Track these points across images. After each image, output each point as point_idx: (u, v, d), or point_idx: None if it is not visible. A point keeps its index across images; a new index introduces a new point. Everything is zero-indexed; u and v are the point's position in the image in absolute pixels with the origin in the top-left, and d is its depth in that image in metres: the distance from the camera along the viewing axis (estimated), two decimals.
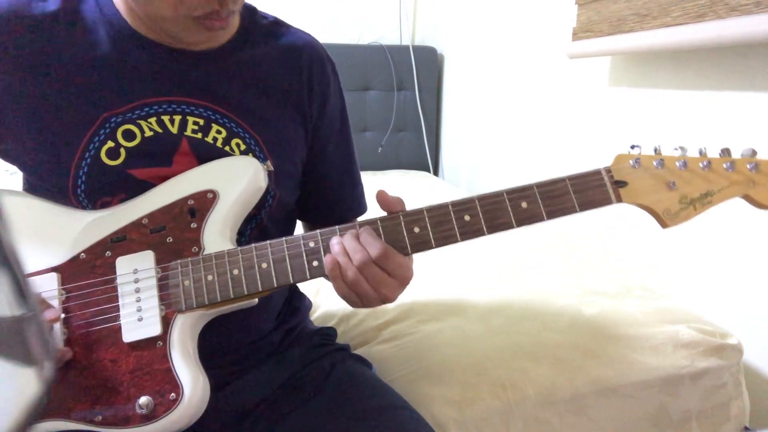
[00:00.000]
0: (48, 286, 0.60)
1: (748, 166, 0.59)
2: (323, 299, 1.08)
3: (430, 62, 2.39)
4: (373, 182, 1.78)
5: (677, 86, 1.15)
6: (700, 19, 0.96)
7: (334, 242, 0.59)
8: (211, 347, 0.63)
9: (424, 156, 2.42)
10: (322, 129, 0.76)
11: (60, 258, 0.61)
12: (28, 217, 0.63)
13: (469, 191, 2.16)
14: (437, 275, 1.15)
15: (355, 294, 0.60)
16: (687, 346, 0.90)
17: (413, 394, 0.79)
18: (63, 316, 0.59)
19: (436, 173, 2.49)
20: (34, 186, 0.67)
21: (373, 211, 0.88)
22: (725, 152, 0.60)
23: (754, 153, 0.59)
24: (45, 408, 0.57)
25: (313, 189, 0.79)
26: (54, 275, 0.60)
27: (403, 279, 0.60)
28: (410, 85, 2.37)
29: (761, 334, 0.99)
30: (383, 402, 0.70)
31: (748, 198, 0.60)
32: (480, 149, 2.13)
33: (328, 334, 0.85)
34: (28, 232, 0.62)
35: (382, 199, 0.62)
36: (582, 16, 1.30)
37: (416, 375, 0.84)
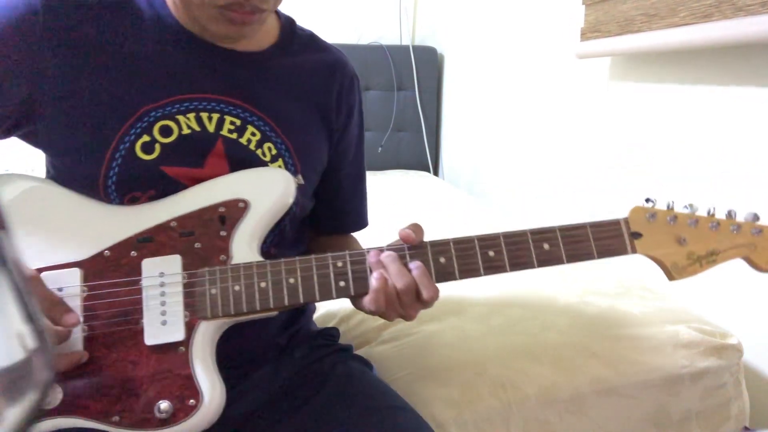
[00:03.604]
0: (69, 282, 0.59)
1: (752, 231, 0.63)
2: None
3: (430, 62, 2.39)
4: (373, 182, 1.76)
5: (683, 86, 1.15)
6: (706, 19, 0.96)
7: (385, 261, 0.61)
8: (220, 352, 0.63)
9: (424, 156, 2.42)
10: (342, 144, 0.79)
11: (83, 253, 0.60)
12: (51, 206, 0.62)
13: (469, 191, 2.16)
14: (438, 284, 1.15)
15: (382, 310, 0.62)
16: (687, 346, 0.90)
17: (413, 394, 0.79)
18: (83, 314, 0.58)
19: (436, 173, 2.49)
20: (61, 174, 0.66)
21: (373, 214, 0.89)
22: (731, 214, 0.64)
23: (756, 217, 0.64)
24: (57, 407, 0.56)
25: (324, 199, 0.80)
26: (76, 270, 0.59)
27: (428, 306, 0.64)
28: (410, 85, 2.37)
29: (761, 334, 0.99)
30: (384, 402, 0.70)
31: (748, 260, 0.64)
32: (480, 149, 2.13)
33: (331, 334, 0.85)
34: (51, 222, 0.61)
35: (407, 238, 0.63)
36: (590, 16, 1.30)
37: (416, 375, 0.84)
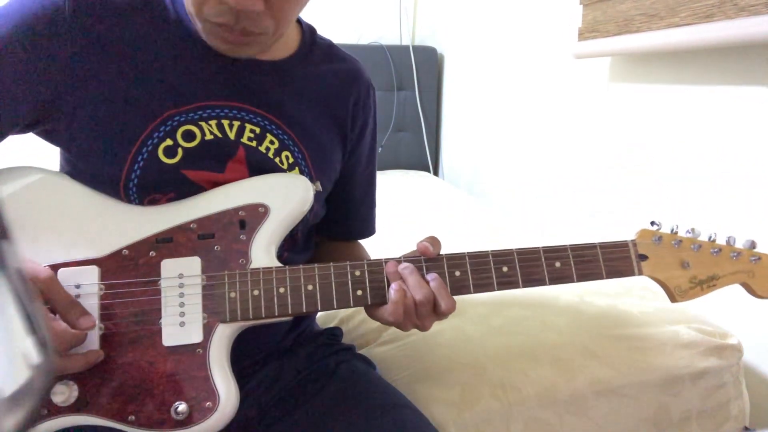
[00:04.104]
0: (87, 280, 0.59)
1: (750, 259, 0.67)
2: None
3: (430, 62, 2.39)
4: None
5: (683, 86, 1.15)
6: (708, 20, 0.95)
7: (404, 272, 0.62)
8: (232, 353, 0.63)
9: (424, 156, 2.42)
10: (356, 154, 0.80)
11: (101, 251, 0.60)
12: (69, 202, 0.62)
13: (469, 191, 2.16)
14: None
15: (399, 322, 0.62)
16: (687, 346, 0.90)
17: (413, 394, 0.79)
18: (101, 312, 0.58)
19: (436, 173, 2.49)
20: (81, 173, 0.65)
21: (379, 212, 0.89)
22: (730, 241, 0.67)
23: (753, 245, 0.67)
24: (72, 405, 0.57)
25: (334, 205, 0.81)
26: (94, 268, 0.59)
27: (443, 318, 0.64)
28: (410, 85, 2.37)
29: (761, 334, 0.99)
30: (387, 401, 0.71)
31: (746, 286, 0.68)
32: (480, 149, 2.13)
33: (334, 334, 0.86)
34: (71, 217, 0.61)
35: (425, 251, 0.64)
36: (588, 16, 1.30)
37: (416, 376, 0.84)
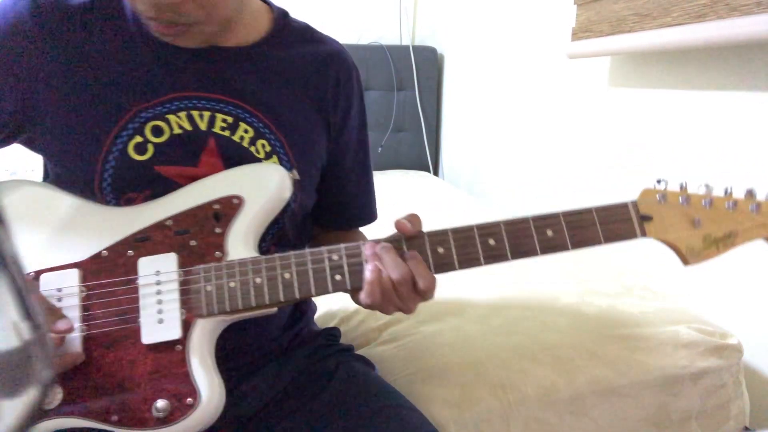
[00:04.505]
0: (68, 283, 0.59)
1: None
2: (324, 299, 1.08)
3: (430, 62, 2.39)
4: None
5: (677, 86, 1.15)
6: (700, 19, 0.95)
7: (380, 252, 0.59)
8: (222, 351, 0.63)
9: (424, 156, 2.42)
10: (343, 137, 0.77)
11: (82, 254, 0.61)
12: (52, 210, 0.62)
13: (469, 191, 2.16)
14: (436, 275, 1.15)
15: (379, 303, 0.60)
16: (687, 346, 0.90)
17: (413, 394, 0.79)
18: (82, 314, 0.59)
19: (436, 173, 2.49)
20: (59, 177, 0.67)
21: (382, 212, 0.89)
22: (750, 193, 0.60)
23: None
24: (57, 408, 0.57)
25: (329, 194, 0.79)
26: (75, 271, 0.59)
27: (427, 298, 0.61)
28: (410, 85, 2.37)
29: (761, 334, 0.99)
30: (387, 402, 0.70)
31: None
32: (480, 149, 2.13)
33: (332, 334, 0.85)
34: (51, 225, 0.62)
35: (402, 228, 0.61)
36: (581, 16, 1.30)
37: (416, 376, 0.84)
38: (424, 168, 2.43)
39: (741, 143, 1.01)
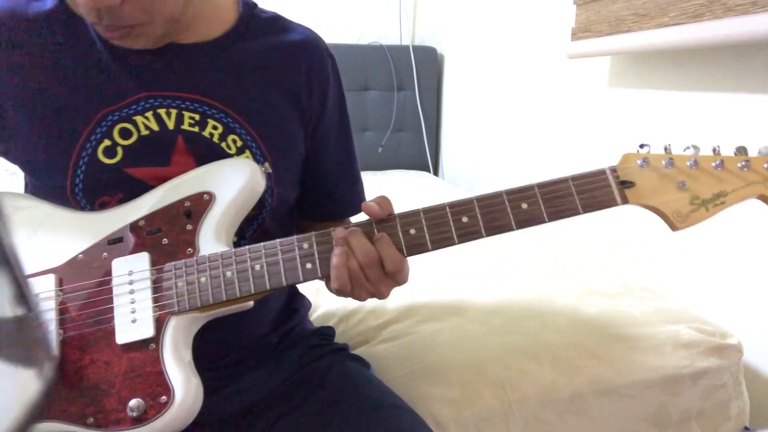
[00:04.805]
0: (44, 288, 0.60)
1: (765, 165, 0.55)
2: (323, 299, 1.08)
3: (430, 62, 2.39)
4: (373, 182, 1.78)
5: (675, 86, 1.15)
6: (697, 19, 0.96)
7: (347, 236, 0.58)
8: (208, 351, 0.62)
9: (424, 156, 2.42)
10: (322, 126, 0.75)
11: (59, 260, 0.61)
12: (29, 219, 0.63)
13: (469, 191, 2.16)
14: (437, 275, 1.15)
15: (349, 288, 0.59)
16: (687, 346, 0.90)
17: (413, 393, 0.79)
18: (58, 317, 0.59)
19: (436, 173, 2.49)
20: (35, 186, 0.67)
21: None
22: (740, 151, 0.56)
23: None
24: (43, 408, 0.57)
25: (313, 185, 0.78)
26: (51, 276, 0.60)
27: (399, 280, 0.60)
28: (410, 85, 2.37)
29: (761, 334, 0.99)
30: (380, 402, 0.70)
31: (764, 198, 0.56)
32: (480, 149, 2.13)
33: (326, 333, 0.85)
34: (29, 233, 0.62)
35: (370, 211, 0.60)
36: (581, 16, 1.30)
37: (416, 375, 0.84)
38: (424, 168, 2.43)
39: (741, 143, 1.01)
